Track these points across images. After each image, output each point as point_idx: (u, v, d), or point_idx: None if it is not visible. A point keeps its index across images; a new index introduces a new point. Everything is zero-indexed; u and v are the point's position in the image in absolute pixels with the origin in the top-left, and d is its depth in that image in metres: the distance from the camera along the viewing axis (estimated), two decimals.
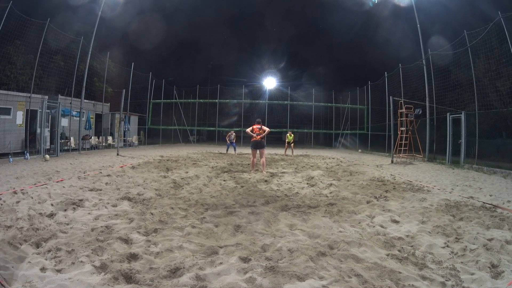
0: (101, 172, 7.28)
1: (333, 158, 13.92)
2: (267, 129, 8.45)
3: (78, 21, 15.36)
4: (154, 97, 22.56)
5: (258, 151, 8.42)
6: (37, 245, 2.76)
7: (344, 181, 6.93)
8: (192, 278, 2.24)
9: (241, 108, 25.96)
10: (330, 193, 5.63)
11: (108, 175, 6.82)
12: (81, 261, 2.44)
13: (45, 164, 8.72)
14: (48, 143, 12.38)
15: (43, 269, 2.33)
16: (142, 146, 20.22)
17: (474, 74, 11.11)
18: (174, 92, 25.10)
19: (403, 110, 12.97)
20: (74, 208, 4.03)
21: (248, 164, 9.72)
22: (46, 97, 11.68)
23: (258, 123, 8.54)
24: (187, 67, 31.03)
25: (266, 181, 6.79)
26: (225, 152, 15.96)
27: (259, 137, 8.34)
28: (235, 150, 15.74)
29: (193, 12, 27.56)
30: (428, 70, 13.92)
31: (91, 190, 5.21)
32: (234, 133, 15.94)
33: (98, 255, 2.59)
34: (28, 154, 10.00)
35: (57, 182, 5.78)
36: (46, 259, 2.50)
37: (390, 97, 13.01)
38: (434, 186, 6.56)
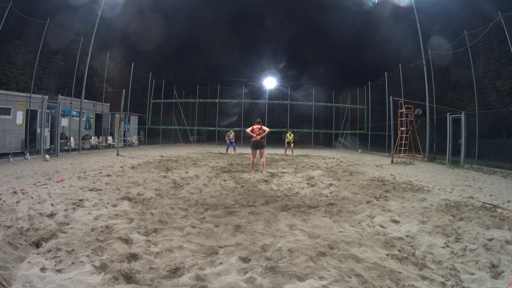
0: (101, 172, 7.28)
1: (333, 158, 13.92)
2: (267, 129, 8.45)
3: (78, 21, 15.36)
4: (154, 97, 22.56)
5: (258, 151, 8.42)
6: (37, 245, 2.76)
7: (344, 181, 6.93)
8: (192, 278, 2.24)
9: (241, 108, 25.97)
10: (330, 193, 5.63)
11: (108, 175, 6.83)
12: (81, 261, 2.44)
13: (45, 164, 8.72)
14: (48, 143, 12.38)
15: (43, 269, 2.33)
16: (142, 146, 20.22)
17: (474, 74, 11.11)
18: (174, 92, 25.11)
19: (403, 110, 12.97)
20: (74, 208, 4.03)
21: (248, 164, 9.72)
22: (46, 97, 11.68)
23: (258, 123, 8.54)
24: (187, 67, 31.06)
25: (266, 181, 6.79)
26: (225, 152, 15.96)
27: (259, 137, 8.34)
28: (234, 150, 15.74)
29: (193, 12, 27.55)
30: (428, 70, 13.92)
31: (91, 190, 5.21)
32: (233, 133, 15.92)
33: (98, 255, 2.59)
34: (28, 154, 10.00)
35: (57, 182, 5.78)
36: (46, 259, 2.50)
37: (390, 97, 13.00)
38: (434, 186, 6.56)
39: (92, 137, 15.52)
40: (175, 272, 2.35)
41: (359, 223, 3.76)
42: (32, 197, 4.41)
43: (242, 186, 6.04)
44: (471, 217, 3.96)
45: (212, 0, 29.32)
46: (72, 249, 2.68)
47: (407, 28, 16.17)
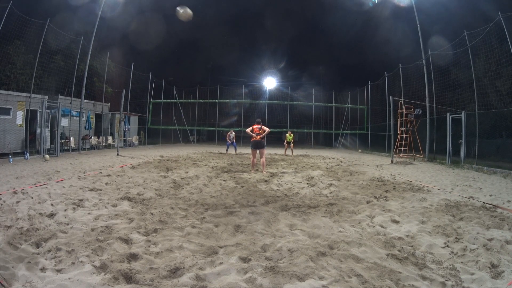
0: (101, 172, 7.28)
1: (333, 158, 13.92)
2: (267, 129, 8.45)
3: (78, 21, 15.35)
4: (154, 97, 22.56)
5: (258, 151, 8.42)
6: (37, 245, 2.76)
7: (344, 181, 6.93)
8: (192, 278, 2.24)
9: (241, 108, 25.96)
10: (330, 193, 5.63)
11: (108, 175, 6.83)
12: (81, 261, 2.44)
13: (45, 164, 8.72)
14: (48, 143, 12.38)
15: (43, 269, 2.33)
16: (142, 146, 20.22)
17: (474, 74, 11.11)
18: (174, 92, 25.11)
19: (403, 110, 12.97)
20: (74, 208, 4.03)
21: (248, 164, 9.72)
22: (46, 97, 11.68)
23: (258, 123, 8.54)
24: (187, 67, 31.03)
25: (266, 181, 6.79)
26: (225, 152, 15.93)
27: (259, 137, 8.34)
28: (235, 149, 15.72)
29: (193, 12, 27.50)
30: (428, 70, 13.92)
31: (91, 190, 5.21)
32: (234, 132, 15.88)
33: (98, 255, 2.59)
34: (28, 154, 10.00)
35: (57, 182, 5.78)
36: (46, 259, 2.50)
37: (390, 97, 13.00)
38: (434, 186, 6.56)
39: (92, 137, 15.52)
40: (175, 272, 2.35)
41: (359, 223, 3.76)
42: (32, 197, 4.42)
43: (242, 186, 6.04)
44: (471, 217, 3.96)
45: (212, 0, 29.31)
46: (72, 249, 2.68)
47: (407, 28, 16.18)
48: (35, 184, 5.52)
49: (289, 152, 15.73)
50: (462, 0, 14.80)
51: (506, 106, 10.35)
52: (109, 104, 18.24)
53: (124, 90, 13.60)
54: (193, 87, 25.90)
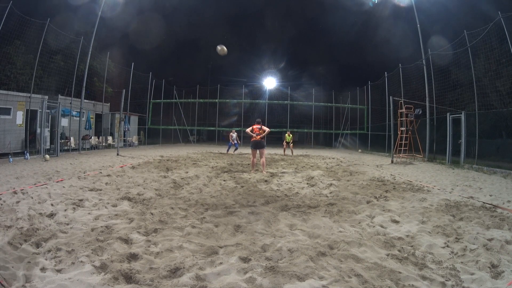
0: (101, 172, 7.28)
1: (333, 158, 13.92)
2: (267, 129, 8.45)
3: (78, 21, 15.36)
4: (154, 97, 22.56)
5: (258, 151, 8.42)
6: (37, 245, 2.76)
7: (344, 181, 6.93)
8: (192, 278, 2.24)
9: (241, 108, 25.96)
10: (330, 193, 5.63)
11: (108, 175, 6.83)
12: (81, 261, 2.44)
13: (45, 164, 8.72)
14: (48, 143, 12.38)
15: (43, 269, 2.33)
16: (142, 146, 20.22)
17: (474, 74, 11.11)
18: (174, 92, 25.11)
19: (403, 110, 12.97)
20: (74, 208, 4.03)
21: (248, 164, 9.72)
22: (46, 97, 11.68)
23: (258, 123, 8.54)
24: (187, 67, 31.04)
25: (266, 181, 6.79)
26: (226, 152, 15.82)
27: (259, 137, 8.34)
28: (236, 149, 15.66)
29: (193, 12, 27.56)
30: (428, 70, 13.92)
31: (91, 190, 5.21)
32: (236, 133, 15.73)
33: (98, 255, 2.59)
34: (28, 154, 10.00)
35: (57, 182, 5.78)
36: (46, 259, 2.50)
37: (390, 97, 13.00)
38: (434, 186, 6.56)
39: (92, 137, 15.52)
40: (175, 272, 2.35)
41: (359, 223, 3.76)
42: (32, 197, 4.42)
43: (242, 186, 6.04)
44: (471, 217, 3.96)
45: (212, 0, 29.32)
46: (72, 249, 2.68)
47: (407, 28, 16.17)
48: (35, 184, 5.52)
49: (288, 152, 15.73)
50: (462, 0, 14.80)
51: (506, 106, 10.35)
52: (109, 104, 18.24)
53: (124, 90, 13.61)
54: (193, 87, 25.91)
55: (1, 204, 3.95)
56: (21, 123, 11.40)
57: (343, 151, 21.08)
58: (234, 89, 25.97)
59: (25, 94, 11.49)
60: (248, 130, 8.54)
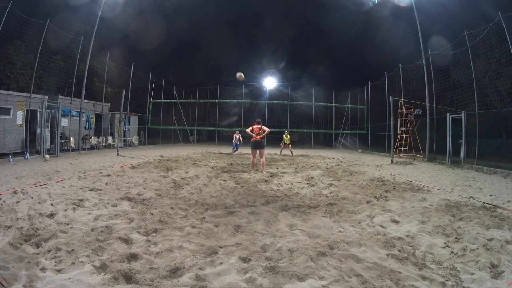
0: (101, 172, 7.28)
1: (333, 158, 13.92)
2: (267, 129, 8.45)
3: (78, 21, 15.37)
4: (154, 97, 22.55)
5: (258, 151, 8.42)
6: (37, 245, 2.76)
7: (344, 181, 6.93)
8: (192, 278, 2.24)
9: (241, 108, 25.96)
10: (330, 193, 5.63)
11: (108, 175, 6.83)
12: (81, 261, 2.44)
13: (45, 164, 8.72)
14: (48, 143, 12.38)
15: (43, 269, 2.33)
16: (142, 146, 20.22)
17: (474, 74, 11.12)
18: (174, 92, 25.11)
19: (403, 110, 12.97)
20: (74, 208, 4.03)
21: (248, 164, 9.72)
22: (46, 97, 11.68)
23: (258, 123, 8.54)
24: (187, 67, 31.01)
25: (266, 181, 6.79)
26: (232, 152, 15.48)
27: (259, 137, 8.34)
28: (236, 150, 15.59)
29: (193, 12, 27.56)
30: (428, 70, 13.92)
31: (91, 190, 5.21)
32: (240, 134, 15.61)
33: (98, 255, 2.59)
34: (28, 154, 10.00)
35: (57, 182, 5.78)
36: (46, 259, 2.50)
37: (390, 97, 13.01)
38: (434, 186, 6.56)
39: (92, 137, 15.52)
40: (175, 272, 2.35)
41: (359, 223, 3.76)
42: (32, 197, 4.41)
43: (242, 186, 6.04)
44: (471, 217, 3.96)
45: (212, 0, 29.32)
46: (72, 249, 2.68)
47: (407, 28, 16.18)
48: (35, 184, 5.52)
49: (287, 152, 15.73)
50: (462, 0, 14.80)
51: (506, 106, 10.35)
52: (109, 104, 18.24)
53: (124, 90, 13.60)
54: (193, 87, 25.91)
55: (1, 204, 3.95)
56: (21, 123, 11.41)
57: (343, 151, 21.08)
58: (234, 89, 25.96)
59: (25, 94, 11.49)
60: (248, 130, 8.54)
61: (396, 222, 3.81)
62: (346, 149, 23.03)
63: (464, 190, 6.07)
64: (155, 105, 22.69)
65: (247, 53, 34.11)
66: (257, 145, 8.37)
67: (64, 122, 13.61)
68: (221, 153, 15.79)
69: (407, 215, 4.09)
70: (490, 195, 5.51)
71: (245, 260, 2.59)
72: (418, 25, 14.01)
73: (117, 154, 12.34)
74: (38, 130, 12.00)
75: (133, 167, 8.46)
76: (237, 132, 15.73)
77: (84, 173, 7.12)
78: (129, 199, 4.65)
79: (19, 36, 11.17)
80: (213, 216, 3.87)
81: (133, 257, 2.58)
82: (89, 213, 3.82)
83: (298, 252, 2.73)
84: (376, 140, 20.15)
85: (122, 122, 15.97)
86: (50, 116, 12.97)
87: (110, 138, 17.67)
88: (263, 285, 2.17)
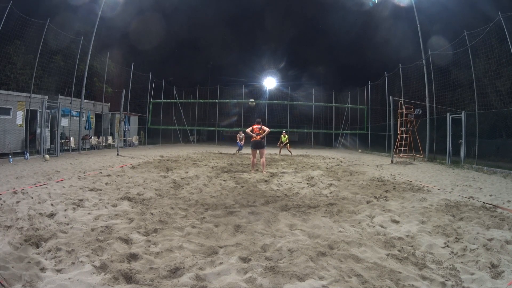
0: (101, 172, 7.28)
1: (333, 158, 13.92)
2: (267, 129, 8.45)
3: (78, 21, 15.37)
4: (154, 97, 22.55)
5: (258, 151, 8.42)
6: (37, 245, 2.76)
7: (344, 181, 6.93)
8: (192, 278, 2.24)
9: (241, 108, 25.96)
10: (330, 193, 5.63)
11: (108, 175, 6.83)
12: (81, 261, 2.44)
13: (45, 164, 8.72)
14: (48, 143, 12.38)
15: (43, 269, 2.33)
16: (142, 146, 20.22)
17: (474, 74, 11.12)
18: (174, 92, 25.10)
19: (403, 110, 12.97)
20: (74, 208, 4.03)
21: (248, 164, 9.72)
22: (46, 97, 11.67)
23: (258, 123, 8.54)
24: (187, 67, 31.04)
25: (266, 181, 6.79)
26: (237, 152, 15.39)
27: (259, 137, 8.35)
28: (238, 150, 15.56)
29: (193, 12, 27.55)
30: (428, 70, 13.92)
31: (91, 190, 5.21)
32: (243, 134, 15.56)
33: (98, 255, 2.59)
34: (28, 154, 10.00)
35: (57, 182, 5.78)
36: (46, 259, 2.50)
37: (390, 97, 13.00)
38: (434, 186, 6.56)
39: (92, 137, 15.52)
40: (175, 272, 2.35)
41: (359, 223, 3.76)
42: (32, 197, 4.41)
43: (242, 186, 6.04)
44: (471, 217, 3.96)
45: (212, 0, 29.33)
46: (72, 249, 2.68)
47: (407, 28, 16.16)
48: (35, 184, 5.52)
49: (287, 152, 15.72)
50: (462, 0, 14.80)
51: (506, 106, 10.35)
52: (109, 104, 18.23)
53: (124, 90, 13.60)
54: (193, 87, 25.91)
55: (1, 204, 3.95)
56: (21, 123, 11.40)
57: (343, 151, 21.08)
58: (234, 89, 25.98)
59: (25, 94, 11.48)
60: (248, 130, 8.54)
61: (396, 222, 3.81)
62: (346, 149, 23.03)
63: (464, 190, 6.07)
64: (155, 105, 22.66)
65: (247, 53, 34.14)
66: (257, 145, 8.37)
67: (64, 122, 13.60)
68: (221, 153, 15.79)
69: (407, 215, 4.09)
70: (490, 195, 5.51)
71: (245, 260, 2.59)
72: (418, 25, 14.02)
73: (117, 154, 12.34)
74: (38, 130, 12.00)
75: (133, 167, 8.46)
76: (241, 132, 15.72)
77: (84, 173, 7.12)
78: (129, 199, 4.65)
79: (19, 36, 11.18)
80: (213, 216, 3.87)
81: (133, 257, 2.58)
82: (89, 213, 3.82)
83: (298, 252, 2.73)
84: (376, 140, 20.15)
85: (122, 122, 15.97)
86: (50, 116, 12.97)
87: (110, 138, 17.66)
88: (263, 285, 2.17)
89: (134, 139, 19.77)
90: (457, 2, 14.86)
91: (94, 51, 15.00)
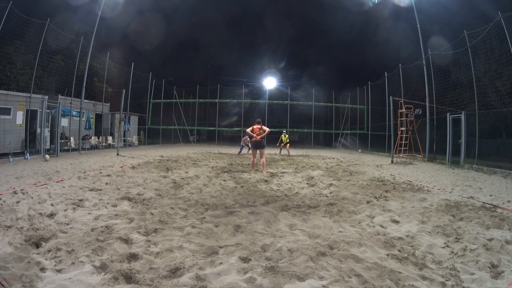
0: (101, 172, 7.28)
1: (333, 158, 13.92)
2: (267, 129, 8.45)
3: (78, 21, 15.37)
4: (154, 97, 22.56)
5: (258, 151, 8.43)
6: (37, 245, 2.76)
7: (344, 181, 6.93)
8: (192, 278, 2.24)
9: (241, 108, 25.95)
10: (330, 193, 5.63)
11: (108, 175, 6.82)
12: (81, 261, 2.44)
13: (45, 164, 8.72)
14: (48, 143, 12.38)
15: (43, 269, 2.33)
16: (142, 146, 20.22)
17: (474, 74, 11.11)
18: (174, 92, 25.10)
19: (403, 110, 12.97)
20: (74, 208, 4.03)
21: (248, 164, 9.72)
22: (46, 97, 11.68)
23: (258, 123, 8.54)
24: (187, 67, 31.04)
25: (266, 181, 6.79)
26: (248, 152, 15.30)
27: (259, 137, 8.35)
28: (240, 151, 15.54)
29: (193, 12, 27.56)
30: (428, 70, 13.92)
31: (91, 190, 5.21)
32: (248, 139, 15.46)
33: (98, 255, 2.59)
34: (28, 154, 10.00)
35: (57, 182, 5.78)
36: (46, 259, 2.50)
37: (390, 97, 13.01)
38: (434, 186, 6.56)
39: (92, 137, 15.52)
40: (175, 272, 2.35)
41: (359, 223, 3.76)
42: (32, 197, 4.41)
43: (242, 186, 6.04)
44: (471, 217, 3.96)
45: (212, 0, 29.32)
46: (72, 249, 2.68)
47: (407, 28, 16.17)
48: (35, 184, 5.52)
49: (284, 152, 15.72)
50: (462, 0, 14.80)
51: (506, 106, 10.35)
52: (109, 104, 18.23)
53: (124, 90, 13.60)
54: (193, 87, 25.90)
55: (1, 204, 3.95)
56: (21, 123, 11.40)
57: (343, 151, 21.08)
58: (234, 89, 25.97)
59: (25, 94, 11.48)
60: (249, 130, 8.54)
61: (396, 222, 3.81)
62: (346, 149, 23.03)
63: (464, 190, 6.07)
64: (155, 105, 22.69)
65: (247, 53, 34.16)
66: (258, 145, 8.37)
67: (64, 122, 13.60)
68: (221, 153, 15.79)
69: (407, 215, 4.09)
70: (490, 195, 5.51)
71: (245, 260, 2.59)
72: (418, 25, 14.01)
73: (117, 154, 12.34)
74: (38, 130, 12.00)
75: (133, 167, 8.46)
76: (247, 136, 15.66)
77: (84, 173, 7.12)
78: (129, 199, 4.65)
79: (19, 36, 11.17)
80: (213, 216, 3.87)
81: (133, 257, 2.58)
82: (89, 213, 3.82)
83: (298, 252, 2.73)
84: (376, 140, 20.15)
85: (122, 122, 15.97)
86: (50, 116, 12.97)
87: (110, 138, 17.66)
88: (263, 285, 2.17)
89: (134, 139, 19.77)
90: (457, 2, 14.87)
91: (94, 51, 15.01)
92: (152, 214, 3.88)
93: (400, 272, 2.39)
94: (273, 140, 24.33)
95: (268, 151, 16.03)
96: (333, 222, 3.78)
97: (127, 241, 2.94)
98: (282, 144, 15.37)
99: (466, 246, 2.94)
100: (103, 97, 17.36)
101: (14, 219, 3.36)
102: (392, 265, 2.54)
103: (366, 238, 3.20)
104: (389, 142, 14.62)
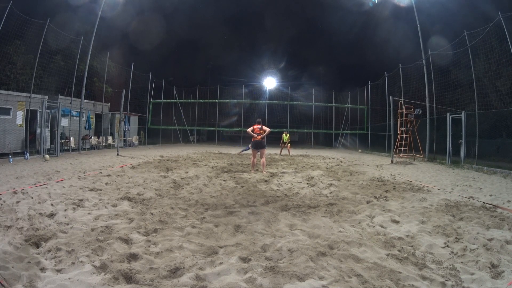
0: (101, 172, 7.28)
1: (333, 158, 13.91)
2: (267, 129, 8.45)
3: (78, 21, 15.37)
4: (154, 97, 22.55)
5: (258, 151, 8.42)
6: (37, 245, 2.76)
7: (344, 181, 6.93)
8: (192, 278, 2.24)
9: (241, 108, 25.95)
10: (330, 193, 5.63)
11: (108, 175, 6.82)
12: (81, 261, 2.44)
13: (45, 164, 8.72)
14: (48, 143, 12.38)
15: (43, 269, 2.33)
16: (142, 146, 20.22)
17: (474, 74, 11.11)
18: (174, 92, 25.10)
19: (403, 110, 12.97)
20: (74, 208, 4.03)
21: (248, 164, 9.72)
22: (46, 97, 11.67)
23: (259, 123, 8.54)
24: (187, 67, 31.04)
25: (266, 181, 6.79)
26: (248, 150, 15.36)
27: (259, 137, 8.35)
28: (242, 151, 15.52)
29: (193, 12, 27.54)
30: (428, 70, 13.92)
31: (91, 190, 5.21)
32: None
33: (98, 255, 2.59)
34: (28, 154, 10.00)
35: (57, 182, 5.78)
36: (46, 259, 2.50)
37: (390, 97, 13.00)
38: (434, 186, 6.56)
39: (92, 137, 15.52)
40: (175, 272, 2.35)
41: (359, 223, 3.76)
42: (32, 197, 4.41)
43: (242, 186, 6.04)
44: (471, 217, 3.96)
45: (212, 0, 29.32)
46: (72, 249, 2.68)
47: (407, 28, 16.17)
48: (35, 184, 5.52)
49: (284, 152, 15.72)
50: (462, 0, 14.80)
51: (506, 106, 10.35)
52: (109, 104, 18.23)
53: (124, 90, 13.60)
54: (193, 87, 25.89)
55: (1, 204, 3.95)
56: (21, 123, 11.40)
57: (343, 151, 21.07)
58: (234, 89, 25.95)
59: (25, 94, 11.48)
60: (249, 130, 8.54)
61: (396, 222, 3.81)
62: (346, 149, 23.02)
63: (464, 190, 6.07)
64: (155, 105, 22.69)
65: (247, 53, 34.17)
66: (258, 145, 8.37)
67: (64, 122, 13.60)
68: (221, 153, 15.79)
69: (407, 215, 4.09)
70: (490, 195, 5.51)
71: (245, 260, 2.60)
72: (418, 25, 14.02)
73: (117, 154, 12.33)
74: (38, 130, 12.00)
75: (133, 167, 8.46)
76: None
77: (84, 173, 7.12)
78: (129, 199, 4.65)
79: (19, 36, 11.17)
80: (213, 216, 3.87)
81: (133, 257, 2.58)
82: (89, 213, 3.82)
83: (298, 252, 2.73)
84: (376, 140, 20.15)
85: (122, 122, 15.97)
86: (50, 116, 12.96)
87: (110, 138, 17.66)
88: (263, 285, 2.17)
89: (134, 139, 19.77)
90: (457, 2, 14.87)
91: (94, 51, 15.00)
92: (152, 214, 3.89)
93: (400, 272, 2.39)
94: (273, 140, 24.35)
95: (268, 151, 16.05)
96: (333, 222, 3.78)
97: (127, 241, 2.94)
98: (283, 144, 15.37)
99: (466, 246, 2.94)
100: (103, 97, 17.36)
101: (14, 219, 3.36)
102: (392, 265, 2.54)
103: (366, 238, 3.20)
104: (389, 142, 14.62)
